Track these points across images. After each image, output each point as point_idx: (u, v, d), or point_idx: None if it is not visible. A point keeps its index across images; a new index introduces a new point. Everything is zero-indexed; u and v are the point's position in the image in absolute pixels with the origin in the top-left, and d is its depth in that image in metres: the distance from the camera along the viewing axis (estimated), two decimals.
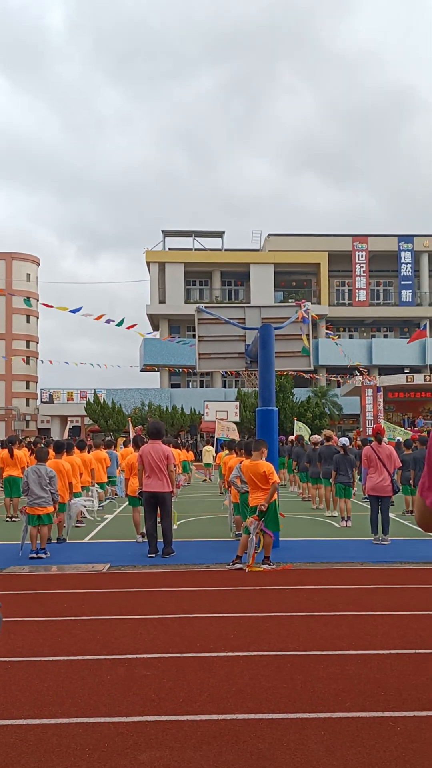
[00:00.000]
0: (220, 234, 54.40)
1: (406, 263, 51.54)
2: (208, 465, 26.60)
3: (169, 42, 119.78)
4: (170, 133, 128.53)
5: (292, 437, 21.75)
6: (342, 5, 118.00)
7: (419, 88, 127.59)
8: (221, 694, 4.20)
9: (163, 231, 53.71)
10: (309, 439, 17.94)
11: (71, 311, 18.06)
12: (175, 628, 5.70)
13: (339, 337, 25.26)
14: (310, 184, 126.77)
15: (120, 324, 19.91)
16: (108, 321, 19.29)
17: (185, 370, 48.69)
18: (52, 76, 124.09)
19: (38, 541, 9.24)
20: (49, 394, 52.07)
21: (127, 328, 20.82)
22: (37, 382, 62.99)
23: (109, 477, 15.96)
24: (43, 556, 9.13)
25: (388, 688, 4.25)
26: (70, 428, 34.00)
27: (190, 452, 27.81)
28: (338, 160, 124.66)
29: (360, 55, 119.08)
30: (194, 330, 11.97)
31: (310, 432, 22.40)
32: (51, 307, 17.59)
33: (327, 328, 21.13)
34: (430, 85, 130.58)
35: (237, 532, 10.17)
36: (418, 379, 38.55)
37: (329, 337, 22.64)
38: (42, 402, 53.25)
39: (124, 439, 26.86)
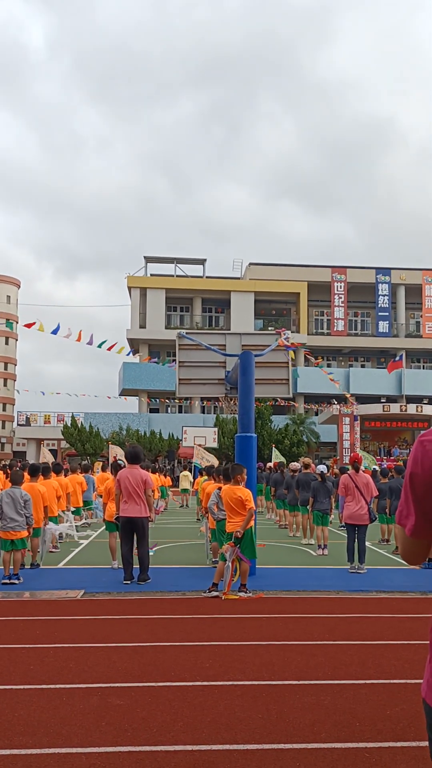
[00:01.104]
0: (201, 261, 54.89)
1: (384, 295, 52.36)
2: (185, 491, 26.45)
3: (150, 66, 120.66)
4: (150, 157, 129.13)
5: (270, 464, 21.76)
6: (323, 35, 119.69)
7: (398, 119, 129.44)
8: (196, 724, 4.14)
9: (145, 257, 54.10)
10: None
11: (52, 332, 18.03)
12: (149, 656, 5.63)
13: (320, 365, 25.43)
14: (289, 212, 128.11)
15: (101, 345, 19.92)
16: (89, 343, 19.29)
17: (164, 397, 48.62)
18: (31, 94, 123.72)
19: (11, 567, 9.08)
20: (26, 417, 51.59)
21: (108, 349, 20.83)
22: (14, 405, 62.42)
23: (85, 501, 15.79)
24: (16, 582, 8.97)
25: (363, 719, 4.23)
26: (48, 450, 33.62)
27: (168, 477, 27.66)
28: (317, 189, 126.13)
29: (340, 84, 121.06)
30: (174, 356, 12.01)
31: (283, 459, 22.46)
32: (32, 325, 17.52)
33: (307, 354, 21.21)
34: (409, 117, 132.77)
35: (214, 559, 10.11)
36: (395, 408, 38.97)
37: (312, 362, 22.74)
38: (18, 425, 52.72)
39: (101, 463, 26.66)
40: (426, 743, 3.81)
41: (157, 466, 27.51)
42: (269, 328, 49.16)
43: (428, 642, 1.81)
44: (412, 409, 39.04)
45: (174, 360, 12.22)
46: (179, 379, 11.87)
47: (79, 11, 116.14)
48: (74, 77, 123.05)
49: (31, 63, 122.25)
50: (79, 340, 18.70)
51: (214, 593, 8.17)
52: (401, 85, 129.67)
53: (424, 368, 54.86)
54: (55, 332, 18.01)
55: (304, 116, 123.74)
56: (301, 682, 4.95)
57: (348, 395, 32.56)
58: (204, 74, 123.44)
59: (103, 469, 20.95)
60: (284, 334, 11.75)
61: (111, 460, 24.20)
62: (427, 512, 1.71)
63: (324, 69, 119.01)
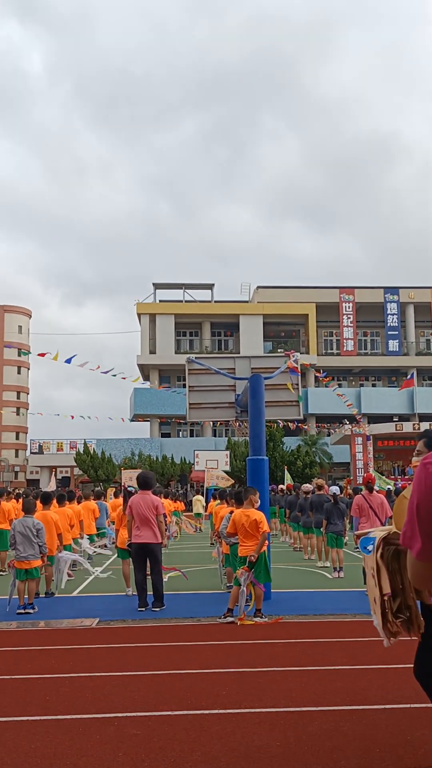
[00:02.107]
0: (209, 286, 55.25)
1: (392, 314, 52.40)
2: (198, 515, 26.33)
3: (151, 88, 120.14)
4: (153, 181, 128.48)
5: (282, 486, 21.65)
6: (324, 51, 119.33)
7: (401, 134, 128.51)
8: (213, 753, 4.09)
9: (153, 284, 54.56)
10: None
11: (66, 361, 18.15)
12: (165, 684, 5.58)
13: (327, 384, 25.43)
14: (294, 231, 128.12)
15: (107, 371, 20.07)
16: (105, 372, 19.45)
17: (176, 420, 48.67)
18: (32, 121, 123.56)
19: (26, 596, 9.06)
20: (39, 445, 51.72)
21: (123, 378, 20.97)
22: (26, 433, 62.65)
23: (98, 528, 15.76)
24: (31, 611, 8.94)
25: (384, 745, 4.16)
26: (59, 479, 33.62)
27: (180, 502, 27.57)
28: (322, 207, 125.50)
29: (343, 100, 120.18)
30: (185, 380, 12.06)
31: (292, 481, 22.34)
32: (45, 354, 17.64)
33: (317, 372, 21.25)
34: (412, 131, 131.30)
35: (228, 584, 10.03)
36: (407, 427, 38.72)
37: (322, 380, 22.73)
38: (31, 453, 52.86)
39: (114, 489, 26.65)
40: None
41: (169, 491, 27.44)
42: (279, 350, 49.24)
43: None
44: (425, 426, 38.70)
45: (184, 385, 12.27)
46: (190, 404, 11.90)
47: (78, 36, 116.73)
48: (75, 102, 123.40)
49: (32, 89, 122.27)
50: (97, 368, 18.86)
51: (230, 619, 8.09)
52: (404, 99, 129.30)
53: None
54: (68, 361, 18.14)
55: (307, 133, 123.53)
56: (319, 709, 4.88)
57: (356, 413, 32.45)
58: (205, 94, 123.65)
59: (116, 495, 20.94)
60: (293, 356, 11.77)
61: (123, 486, 24.23)
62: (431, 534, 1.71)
63: (326, 85, 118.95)
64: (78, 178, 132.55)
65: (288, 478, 22.76)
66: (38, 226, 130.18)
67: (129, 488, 11.65)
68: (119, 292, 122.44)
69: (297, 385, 11.67)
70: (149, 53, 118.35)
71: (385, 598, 3.86)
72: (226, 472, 29.02)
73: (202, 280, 56.50)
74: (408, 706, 4.91)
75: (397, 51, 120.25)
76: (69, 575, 12.10)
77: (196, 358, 12.21)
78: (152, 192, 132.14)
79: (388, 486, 17.28)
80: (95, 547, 13.42)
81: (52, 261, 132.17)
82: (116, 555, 11.89)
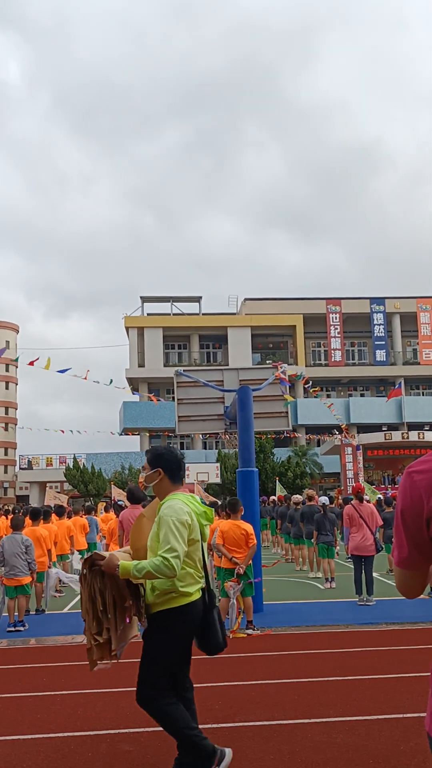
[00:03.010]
0: (197, 299, 55.38)
1: (379, 324, 52.71)
2: None
3: (131, 98, 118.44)
4: (136, 192, 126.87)
5: (274, 497, 21.64)
6: (305, 58, 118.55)
7: (384, 140, 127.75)
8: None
9: (141, 297, 54.58)
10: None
11: (60, 371, 18.01)
12: None
13: (317, 395, 25.49)
14: (280, 242, 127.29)
15: (109, 383, 20.09)
16: (97, 382, 19.43)
17: (166, 433, 48.56)
18: (12, 131, 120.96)
19: (16, 613, 8.98)
20: (28, 461, 51.37)
21: (119, 388, 20.95)
22: (15, 449, 62.25)
23: (88, 543, 15.65)
24: (21, 628, 8.87)
25: (377, 756, 4.16)
26: (57, 492, 33.29)
27: None
28: (306, 217, 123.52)
29: (324, 108, 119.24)
30: (173, 393, 12.07)
31: (285, 492, 22.32)
32: (34, 362, 17.44)
33: (305, 382, 21.19)
34: (395, 138, 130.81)
35: (219, 597, 9.98)
36: (396, 436, 38.86)
37: (311, 392, 22.75)
38: (20, 468, 52.48)
39: (105, 503, 26.51)
40: None
41: None
42: (267, 362, 49.33)
43: (430, 675, 1.81)
44: (414, 436, 38.92)
45: (173, 398, 12.28)
46: (179, 417, 11.90)
47: (56, 46, 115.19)
48: (55, 113, 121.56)
49: (9, 99, 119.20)
50: (85, 379, 18.84)
51: None
52: (386, 106, 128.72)
53: (423, 395, 54.88)
54: (62, 371, 18.00)
55: (290, 142, 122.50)
56: (312, 721, 4.87)
57: (342, 425, 32.53)
58: (187, 104, 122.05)
59: (107, 510, 20.83)
60: (281, 367, 11.83)
61: (113, 500, 24.12)
62: (418, 543, 1.71)
63: (308, 92, 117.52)
64: (59, 190, 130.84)
65: (279, 489, 22.76)
66: (21, 239, 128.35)
67: (119, 502, 11.61)
68: (104, 304, 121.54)
69: (285, 392, 11.71)
70: (129, 63, 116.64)
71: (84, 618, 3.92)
72: (217, 484, 28.96)
73: (189, 291, 56.85)
74: (401, 716, 4.92)
75: (379, 57, 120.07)
76: (59, 592, 12.01)
77: (184, 370, 12.23)
78: (135, 204, 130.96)
79: (378, 495, 17.33)
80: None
81: (35, 274, 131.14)
82: None
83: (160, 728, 4.79)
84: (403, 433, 39.32)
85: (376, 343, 52.68)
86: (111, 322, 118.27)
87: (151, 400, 33.24)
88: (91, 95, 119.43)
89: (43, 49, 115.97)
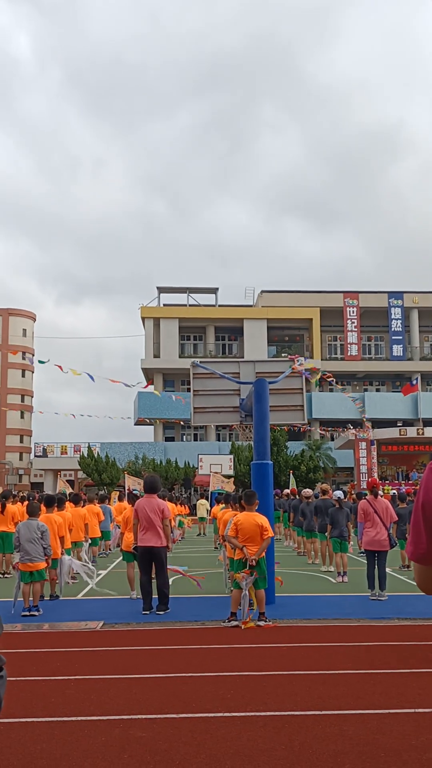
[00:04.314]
0: (214, 290, 55.34)
1: (397, 319, 52.37)
2: (202, 519, 26.31)
3: (145, 78, 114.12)
4: (150, 175, 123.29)
5: (287, 491, 21.64)
6: (324, 37, 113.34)
7: (406, 123, 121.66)
8: (219, 755, 4.11)
9: (158, 287, 54.67)
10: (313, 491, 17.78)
11: (87, 374, 18.04)
12: (170, 687, 5.60)
13: (342, 388, 25.43)
14: (295, 231, 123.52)
15: (134, 385, 20.13)
16: (127, 385, 19.44)
17: (178, 422, 48.67)
18: (21, 110, 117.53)
19: (30, 598, 9.09)
20: (43, 448, 51.77)
21: (145, 386, 21.05)
22: (31, 436, 62.73)
23: (102, 531, 15.77)
24: (36, 613, 8.97)
25: (388, 749, 4.17)
26: (66, 480, 33.60)
27: (184, 506, 27.57)
28: (324, 205, 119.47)
29: (344, 89, 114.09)
30: (188, 384, 12.10)
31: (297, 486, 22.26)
32: (59, 366, 17.54)
33: (326, 377, 21.05)
34: (416, 120, 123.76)
35: (232, 588, 10.03)
36: (411, 432, 38.66)
37: (336, 387, 22.64)
38: (36, 456, 52.90)
39: (119, 492, 26.65)
40: None
41: (173, 495, 27.43)
42: (282, 355, 49.22)
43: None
44: (429, 432, 38.68)
45: (188, 389, 12.31)
46: (194, 408, 11.94)
47: (68, 22, 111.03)
48: (66, 92, 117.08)
49: (21, 75, 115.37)
50: (115, 382, 18.85)
51: (234, 623, 8.10)
52: (407, 87, 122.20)
53: None
54: (91, 378, 17.99)
55: (308, 125, 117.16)
56: (324, 713, 4.89)
57: (364, 419, 32.42)
58: (201, 85, 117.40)
59: (120, 499, 20.94)
60: (298, 360, 11.80)
61: (127, 489, 24.25)
62: None
63: (327, 72, 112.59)
64: (70, 173, 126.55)
65: (292, 483, 22.75)
66: (32, 225, 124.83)
67: (134, 491, 11.68)
68: (116, 291, 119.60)
69: (302, 389, 11.68)
70: (142, 41, 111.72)
71: None
72: (228, 476, 29.02)
73: (203, 280, 56.92)
74: (412, 710, 4.92)
75: (401, 35, 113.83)
76: (73, 579, 12.12)
77: (200, 362, 12.25)
78: (147, 188, 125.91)
79: (393, 491, 17.27)
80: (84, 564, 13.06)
81: (47, 260, 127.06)
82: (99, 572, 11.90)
83: (173, 714, 4.85)
84: (418, 429, 39.10)
85: (394, 337, 52.36)
86: (123, 310, 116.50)
87: (165, 393, 33.39)
88: (103, 74, 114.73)
89: (54, 24, 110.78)
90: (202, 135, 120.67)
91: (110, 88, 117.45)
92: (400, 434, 38.30)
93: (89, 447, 46.29)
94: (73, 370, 17.58)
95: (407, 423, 45.86)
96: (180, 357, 51.53)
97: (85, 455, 43.90)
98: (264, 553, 8.38)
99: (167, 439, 52.00)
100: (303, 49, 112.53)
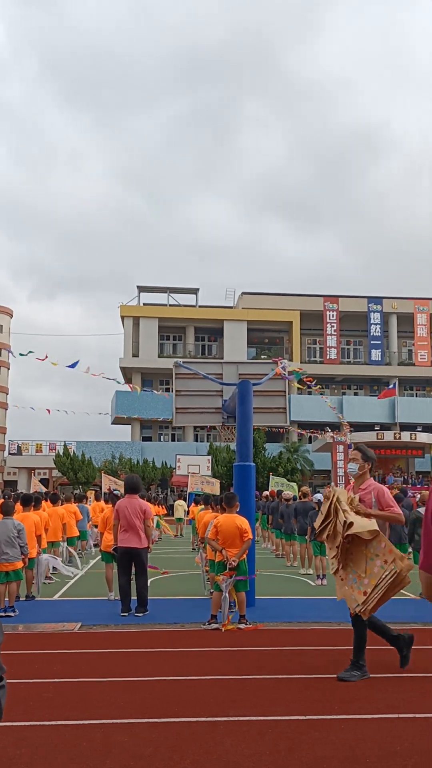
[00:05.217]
0: (194, 291, 55.31)
1: (376, 324, 52.79)
2: (179, 520, 26.24)
3: (126, 69, 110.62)
4: (127, 168, 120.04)
5: (266, 492, 21.65)
6: (309, 33, 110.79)
7: (388, 125, 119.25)
8: (202, 761, 4.05)
9: (138, 286, 54.48)
10: (298, 493, 17.75)
11: (70, 366, 17.87)
12: (151, 691, 5.52)
13: (311, 393, 25.49)
14: (277, 230, 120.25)
15: (94, 376, 19.95)
16: (111, 379, 19.31)
17: (156, 421, 48.48)
18: None
19: (6, 599, 8.94)
20: (17, 446, 51.19)
21: (128, 383, 20.84)
22: (5, 434, 62.03)
23: (80, 531, 15.61)
24: (11, 614, 8.83)
25: (372, 755, 4.15)
26: (39, 480, 33.27)
27: (162, 507, 27.46)
28: (306, 205, 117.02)
29: (328, 87, 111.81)
30: (167, 384, 12.04)
31: (292, 485, 22.18)
32: (45, 358, 17.31)
33: (307, 380, 21.03)
34: (399, 122, 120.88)
35: (212, 590, 9.98)
36: (388, 436, 39.02)
37: (314, 390, 22.67)
38: (10, 454, 52.30)
39: (95, 492, 26.48)
40: None
41: (150, 495, 27.28)
42: (262, 357, 49.37)
43: None
44: (405, 436, 39.09)
45: (166, 389, 12.24)
46: (176, 408, 11.86)
47: (47, 9, 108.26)
48: (43, 80, 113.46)
49: None
50: (94, 375, 18.71)
51: (214, 625, 8.05)
52: (391, 88, 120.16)
53: (416, 396, 55.07)
54: (73, 366, 17.84)
55: (291, 122, 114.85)
56: (307, 717, 4.86)
57: (344, 422, 32.60)
58: (183, 78, 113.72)
59: (97, 499, 20.79)
60: (281, 362, 11.80)
61: (104, 489, 24.07)
62: None
63: (312, 69, 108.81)
64: (46, 164, 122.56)
65: (276, 484, 22.74)
66: (3, 213, 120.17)
67: (115, 492, 11.57)
68: (93, 288, 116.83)
69: (285, 391, 11.67)
70: (124, 32, 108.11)
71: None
72: (209, 477, 28.96)
73: (182, 277, 56.94)
74: (395, 716, 4.91)
75: (385, 35, 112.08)
76: (49, 579, 11.97)
77: (183, 362, 12.19)
78: (127, 182, 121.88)
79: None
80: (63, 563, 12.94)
81: (20, 252, 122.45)
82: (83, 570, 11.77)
83: (155, 719, 4.78)
84: (395, 434, 39.46)
85: (372, 342, 52.78)
86: (101, 307, 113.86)
87: (145, 391, 33.22)
88: (83, 64, 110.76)
89: (32, 9, 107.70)
90: (183, 129, 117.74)
91: (90, 79, 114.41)
92: (378, 438, 38.62)
93: (65, 445, 45.90)
94: (54, 363, 17.40)
95: (384, 427, 46.28)
96: (159, 357, 51.36)
97: (61, 453, 43.51)
98: (245, 556, 8.33)
99: (144, 439, 51.79)
100: (287, 44, 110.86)
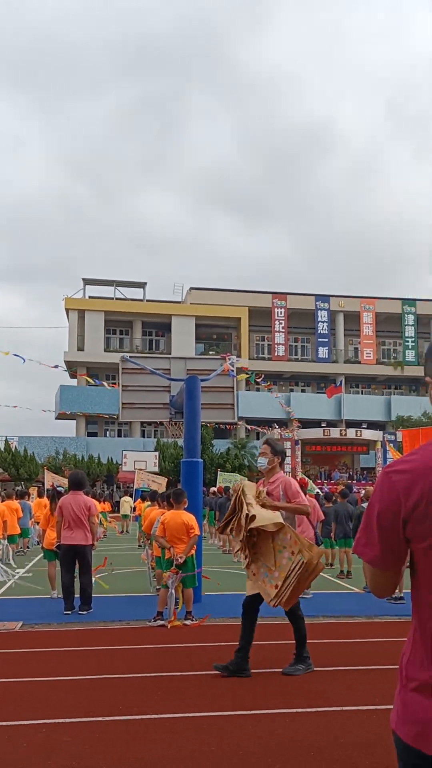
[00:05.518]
0: (142, 285, 54.89)
1: (323, 321, 53.55)
2: (125, 516, 26.03)
3: (70, 54, 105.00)
4: (70, 157, 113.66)
5: (214, 489, 21.68)
6: (257, 24, 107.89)
7: (334, 123, 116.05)
8: (146, 758, 4.00)
9: (83, 279, 53.62)
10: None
11: (16, 355, 17.39)
12: (94, 689, 5.44)
13: (259, 389, 25.71)
14: (224, 225, 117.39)
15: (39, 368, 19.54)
16: (56, 366, 18.85)
17: (102, 416, 47.93)
18: None
19: None
20: None
21: (78, 375, 20.39)
22: None
23: (21, 528, 15.30)
24: None
25: (317, 748, 4.18)
26: None
27: (107, 503, 27.18)
28: (253, 200, 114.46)
29: (277, 81, 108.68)
30: (113, 378, 11.90)
31: (239, 479, 22.23)
32: None
33: (258, 377, 21.10)
34: (345, 121, 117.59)
35: (158, 587, 9.92)
36: (335, 433, 39.66)
37: (264, 386, 22.78)
38: None
39: (37, 488, 25.98)
40: None
41: (95, 492, 26.99)
42: (210, 353, 49.42)
43: (399, 668, 1.79)
44: (351, 433, 39.81)
45: (113, 384, 12.08)
46: (123, 404, 11.73)
47: None
48: None
49: None
50: (44, 365, 18.27)
51: (160, 622, 8.00)
52: (338, 86, 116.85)
53: (362, 393, 56.16)
54: (23, 360, 17.29)
55: (239, 115, 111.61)
56: (252, 712, 4.86)
57: (294, 418, 32.95)
58: (130, 65, 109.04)
59: (39, 495, 20.41)
60: (229, 359, 11.81)
61: (47, 485, 23.64)
62: (392, 543, 1.71)
63: (261, 61, 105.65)
64: None
65: (225, 480, 22.77)
66: None
67: (58, 488, 11.35)
68: (35, 278, 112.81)
69: (233, 388, 11.69)
70: (69, 16, 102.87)
71: None
72: (154, 473, 28.82)
73: (127, 270, 56.17)
74: (338, 708, 4.97)
75: (333, 33, 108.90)
76: None
77: (130, 356, 12.06)
78: (70, 170, 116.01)
79: (317, 490, 17.62)
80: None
81: None
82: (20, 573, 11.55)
83: (98, 718, 4.70)
84: (341, 430, 40.12)
85: (320, 340, 53.52)
86: (44, 299, 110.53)
87: (90, 385, 32.69)
88: (26, 47, 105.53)
89: None
90: (130, 118, 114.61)
91: (32, 63, 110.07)
92: (324, 435, 39.21)
93: (6, 440, 44.85)
94: (5, 352, 16.91)
95: (331, 424, 46.99)
96: (106, 351, 50.77)
97: (2, 449, 42.53)
98: (192, 552, 8.30)
99: (90, 435, 51.15)
100: (236, 36, 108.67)
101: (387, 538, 1.71)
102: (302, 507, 6.01)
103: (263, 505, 5.74)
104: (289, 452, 34.37)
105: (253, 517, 5.52)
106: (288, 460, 34.18)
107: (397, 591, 9.47)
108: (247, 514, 5.56)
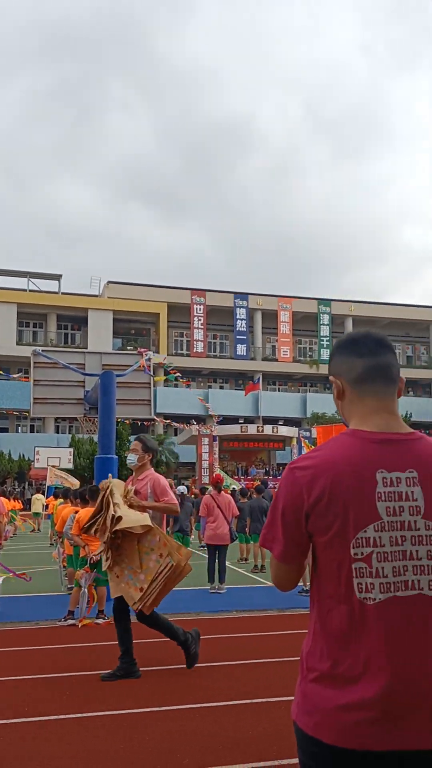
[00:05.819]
0: (57, 277, 53.67)
1: (242, 319, 54.13)
2: (37, 514, 25.39)
3: None
4: None
5: None
6: (179, 16, 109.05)
7: (254, 121, 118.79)
8: (56, 755, 3.89)
9: None
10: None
11: None
12: (3, 691, 5.25)
13: (177, 385, 25.67)
14: (143, 217, 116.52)
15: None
16: None
17: (12, 412, 46.55)
18: None
19: None
20: None
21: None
22: None
23: None
24: None
25: (227, 741, 4.19)
26: None
27: (18, 501, 26.42)
28: (172, 193, 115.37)
29: (197, 76, 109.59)
30: (26, 373, 11.54)
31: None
32: None
33: (174, 373, 20.93)
34: (267, 117, 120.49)
35: (69, 586, 9.71)
36: (252, 429, 40.19)
37: (182, 382, 22.65)
38: None
39: None
40: (287, 761, 3.84)
41: (5, 489, 26.14)
42: (128, 348, 48.96)
43: (301, 660, 1.80)
44: (268, 429, 40.44)
45: (26, 377, 11.73)
46: (34, 399, 11.40)
47: None
48: None
49: None
50: None
51: (70, 621, 7.83)
52: (258, 84, 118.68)
53: (279, 390, 57.20)
54: None
55: (158, 106, 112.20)
56: (162, 708, 4.83)
57: (214, 414, 33.09)
58: (46, 50, 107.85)
59: None
60: (146, 354, 11.70)
61: None
62: (295, 538, 1.72)
63: (179, 55, 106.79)
64: None
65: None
66: None
67: None
68: None
69: (150, 383, 11.59)
70: None
71: None
72: (68, 470, 28.27)
73: (42, 261, 54.42)
74: (249, 701, 5.01)
75: (254, 31, 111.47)
76: None
77: (42, 350, 11.73)
78: None
79: (233, 486, 17.80)
80: None
81: None
82: None
83: (6, 720, 4.53)
84: (258, 427, 40.70)
85: (238, 337, 54.06)
86: None
87: (1, 378, 31.61)
88: None
89: None
90: (45, 103, 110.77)
91: None
92: (241, 431, 39.66)
93: None
94: None
95: (248, 420, 47.61)
96: (18, 344, 49.30)
97: None
98: None
99: (0, 430, 49.57)
100: (156, 27, 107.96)
101: (290, 533, 1.72)
102: (171, 506, 5.81)
103: (131, 506, 5.50)
104: (207, 448, 34.55)
105: (120, 518, 5.25)
106: (206, 456, 34.35)
107: (309, 583, 9.71)
108: (113, 515, 5.28)
